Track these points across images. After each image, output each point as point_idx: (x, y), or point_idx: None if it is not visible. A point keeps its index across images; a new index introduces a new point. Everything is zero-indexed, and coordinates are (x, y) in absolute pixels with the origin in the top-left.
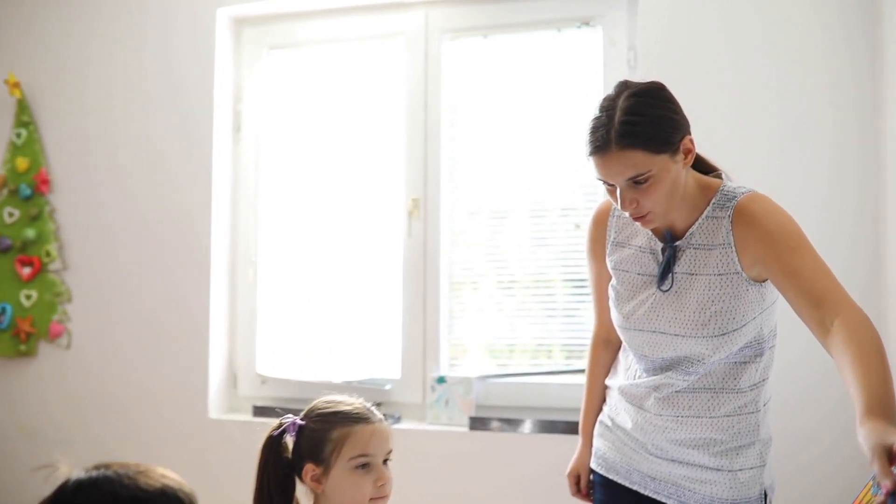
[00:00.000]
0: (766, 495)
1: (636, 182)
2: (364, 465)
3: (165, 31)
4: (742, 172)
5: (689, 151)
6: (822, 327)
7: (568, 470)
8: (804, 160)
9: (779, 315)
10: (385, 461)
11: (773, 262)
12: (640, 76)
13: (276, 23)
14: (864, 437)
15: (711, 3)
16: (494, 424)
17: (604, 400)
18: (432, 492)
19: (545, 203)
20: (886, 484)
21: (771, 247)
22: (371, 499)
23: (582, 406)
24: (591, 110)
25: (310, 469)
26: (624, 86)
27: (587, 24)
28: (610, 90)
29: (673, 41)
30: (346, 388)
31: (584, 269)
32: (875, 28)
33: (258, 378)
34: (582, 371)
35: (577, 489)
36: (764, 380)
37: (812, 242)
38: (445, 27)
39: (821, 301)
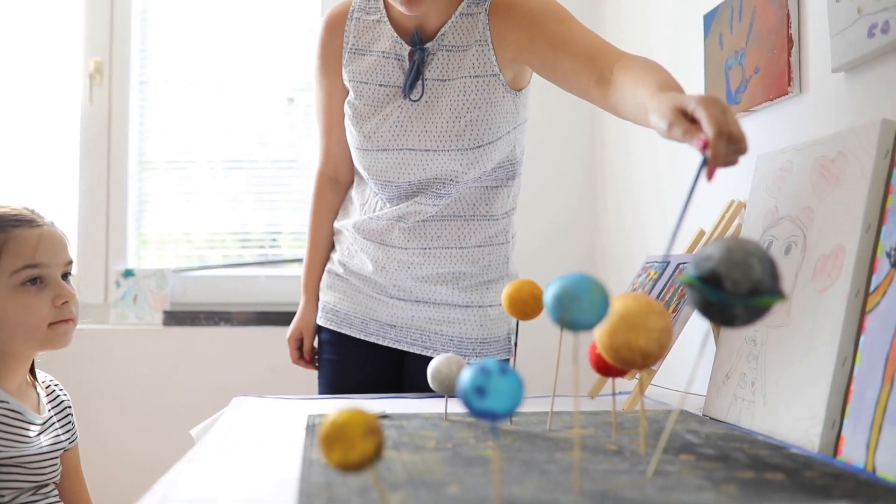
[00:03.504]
0: (511, 336)
1: None
2: (34, 280)
3: None
4: None
5: None
6: (601, 81)
7: (288, 333)
8: None
9: (527, 138)
10: (65, 276)
11: (540, 39)
12: None
13: None
14: (657, 106)
15: None
16: (195, 318)
17: (332, 248)
18: (123, 396)
19: (253, 75)
20: (699, 139)
21: (536, 25)
22: (51, 323)
23: (305, 258)
24: None
25: None
26: None
27: None
28: None
29: None
30: None
31: (293, 150)
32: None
33: None
34: (291, 261)
35: (300, 355)
36: (514, 208)
37: None
38: None
39: (596, 56)
